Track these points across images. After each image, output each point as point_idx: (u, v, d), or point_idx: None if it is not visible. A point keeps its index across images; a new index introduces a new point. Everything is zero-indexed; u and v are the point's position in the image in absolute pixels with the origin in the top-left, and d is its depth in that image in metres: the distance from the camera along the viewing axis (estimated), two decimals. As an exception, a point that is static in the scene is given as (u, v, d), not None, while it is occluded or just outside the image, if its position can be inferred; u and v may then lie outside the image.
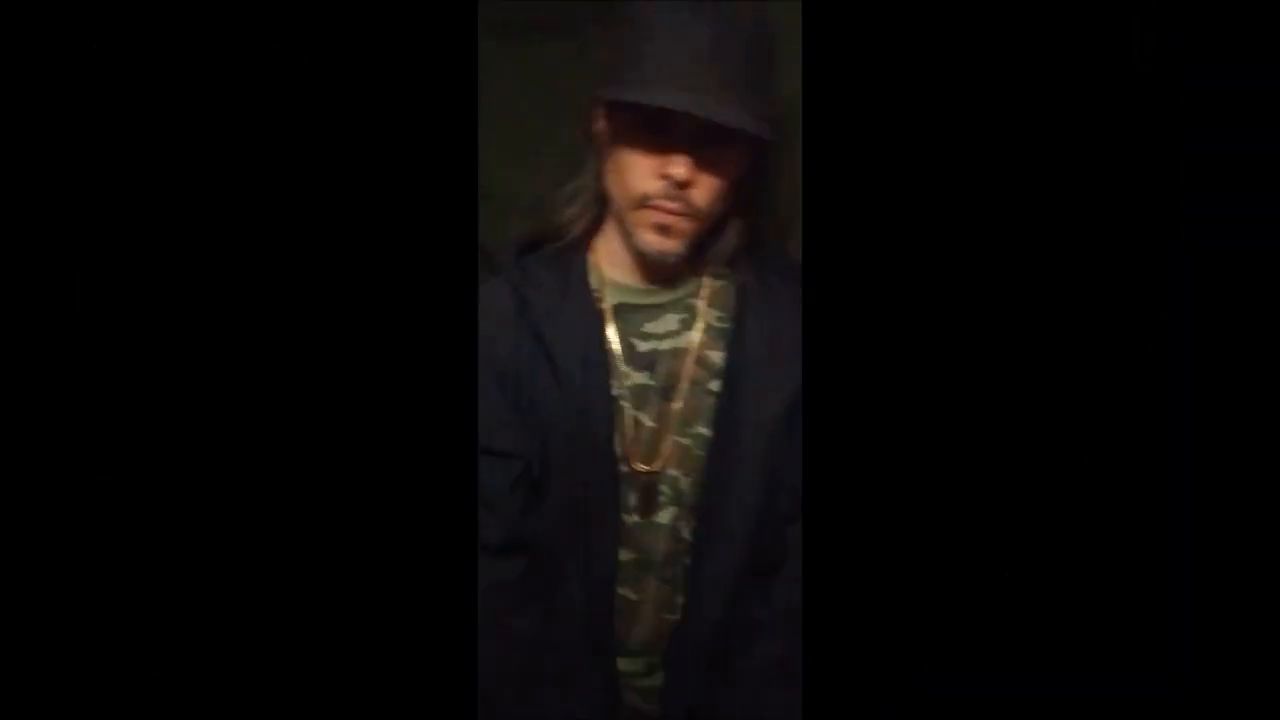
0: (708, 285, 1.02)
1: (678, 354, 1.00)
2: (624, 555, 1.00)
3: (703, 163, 0.93)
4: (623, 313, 1.01)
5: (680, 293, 1.02)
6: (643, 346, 1.00)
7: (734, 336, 1.00)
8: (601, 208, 1.02)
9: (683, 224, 0.95)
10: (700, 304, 1.02)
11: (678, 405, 0.99)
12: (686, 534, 0.99)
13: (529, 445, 0.99)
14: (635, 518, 0.99)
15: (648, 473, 0.99)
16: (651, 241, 0.96)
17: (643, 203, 0.95)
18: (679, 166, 0.92)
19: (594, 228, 1.03)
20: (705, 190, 0.94)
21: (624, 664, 1.02)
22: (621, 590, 1.00)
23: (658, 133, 0.92)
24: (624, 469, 0.99)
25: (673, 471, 0.99)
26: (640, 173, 0.94)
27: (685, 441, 0.99)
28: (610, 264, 1.03)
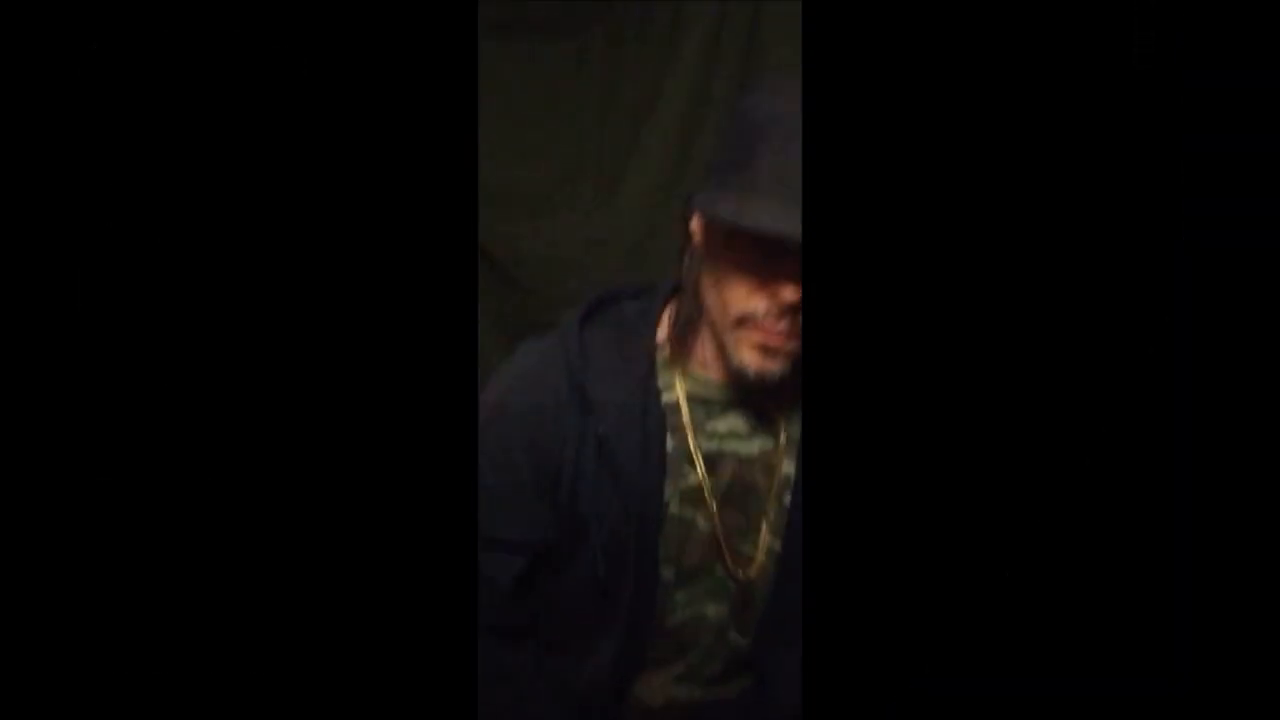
0: (789, 405, 0.95)
1: (752, 461, 0.94)
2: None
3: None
4: (694, 405, 0.94)
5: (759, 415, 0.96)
6: (710, 446, 0.94)
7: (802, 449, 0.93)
8: (696, 315, 0.92)
9: (789, 345, 0.87)
10: (784, 424, 0.95)
11: (765, 515, 0.94)
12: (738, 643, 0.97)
13: (544, 536, 0.94)
14: (732, 631, 0.96)
15: (747, 580, 0.94)
16: (751, 361, 0.88)
17: (744, 322, 0.87)
18: (789, 290, 0.83)
19: (682, 329, 0.94)
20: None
21: None
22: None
23: (769, 251, 0.83)
24: (721, 572, 0.94)
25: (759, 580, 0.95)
26: (744, 290, 0.86)
27: (761, 555, 0.95)
28: (699, 366, 0.95)
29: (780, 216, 0.80)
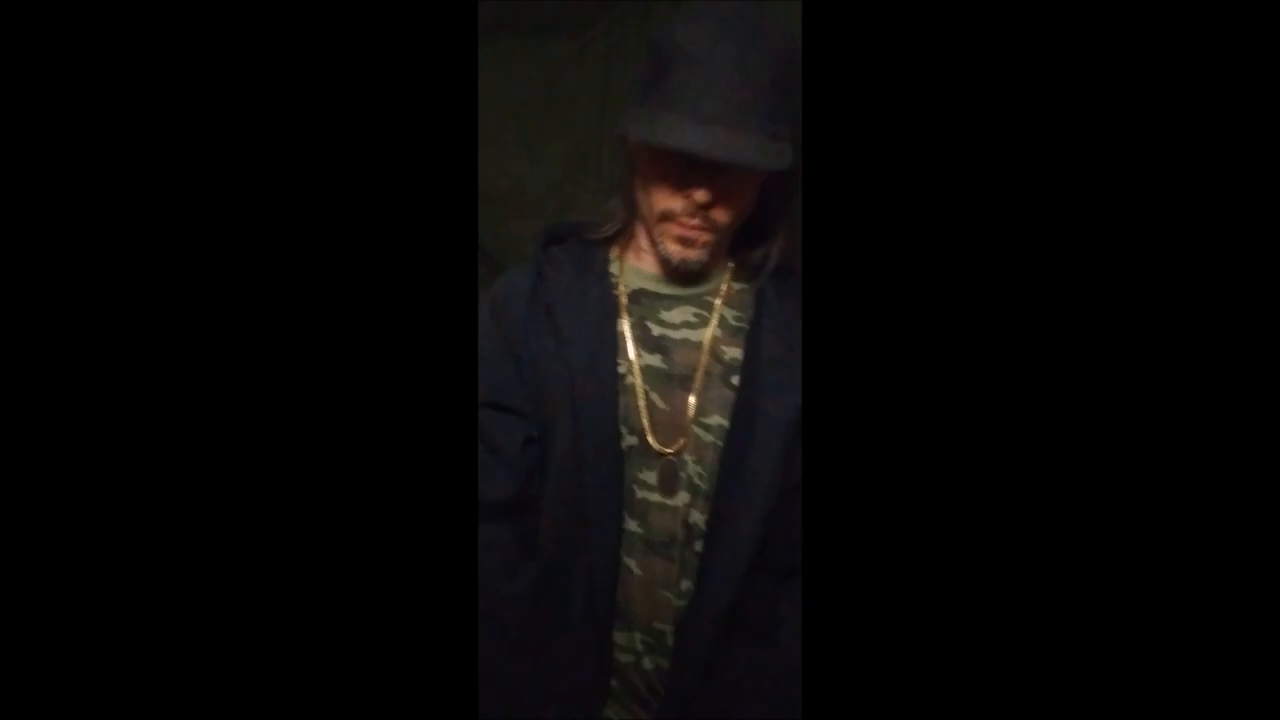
0: (726, 286, 1.08)
1: (691, 345, 1.05)
2: (633, 527, 1.02)
3: (723, 185, 0.98)
4: (639, 298, 1.07)
5: (699, 290, 1.07)
6: (656, 331, 1.05)
7: (751, 335, 1.05)
8: (631, 214, 1.08)
9: (704, 236, 1.01)
10: (718, 302, 1.07)
11: (694, 395, 1.03)
12: (699, 521, 1.01)
13: (536, 410, 1.04)
14: (655, 496, 1.02)
15: (667, 454, 1.02)
16: (674, 251, 1.03)
17: (666, 217, 1.01)
18: (699, 192, 0.98)
19: (624, 230, 1.10)
20: (726, 209, 1.00)
21: (621, 637, 1.03)
22: (626, 560, 1.02)
23: (679, 157, 0.96)
24: (636, 443, 1.02)
25: (689, 458, 1.02)
26: (663, 192, 1.00)
27: (701, 431, 1.02)
28: (635, 258, 1.09)
29: (684, 132, 0.93)
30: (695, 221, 1.00)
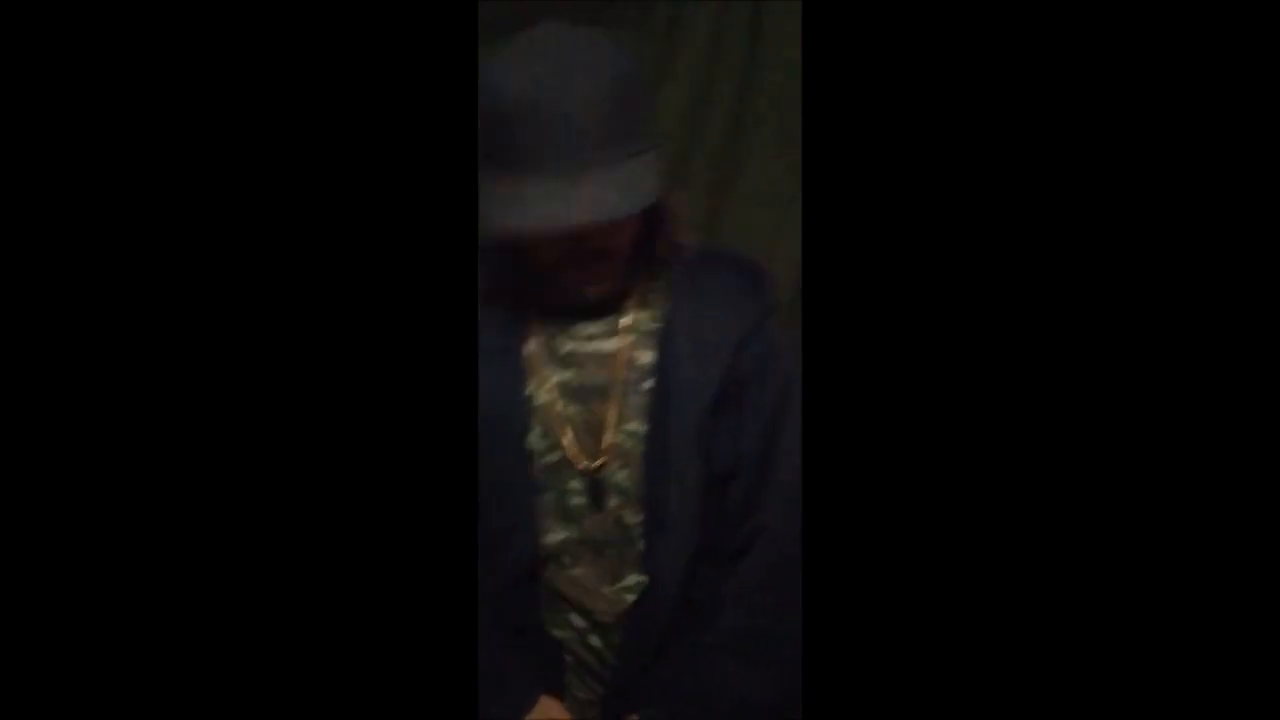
0: (636, 295, 1.05)
1: (604, 357, 1.04)
2: (569, 535, 1.04)
3: (601, 233, 0.93)
4: (546, 316, 1.04)
5: (608, 310, 1.05)
6: (566, 347, 1.04)
7: (662, 336, 1.03)
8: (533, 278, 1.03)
9: (606, 269, 0.98)
10: (629, 316, 1.04)
11: (612, 407, 1.02)
12: (633, 521, 1.03)
13: None
14: (587, 511, 1.03)
15: (592, 469, 1.02)
16: (592, 292, 1.00)
17: (560, 267, 0.97)
18: (596, 241, 0.93)
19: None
20: (617, 246, 0.96)
21: (559, 621, 1.06)
22: (573, 571, 1.04)
23: (557, 237, 0.92)
24: (558, 459, 1.03)
25: (614, 466, 1.03)
26: (550, 251, 0.95)
27: (622, 439, 1.03)
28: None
29: (540, 204, 0.88)
30: (599, 267, 0.96)
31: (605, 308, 1.04)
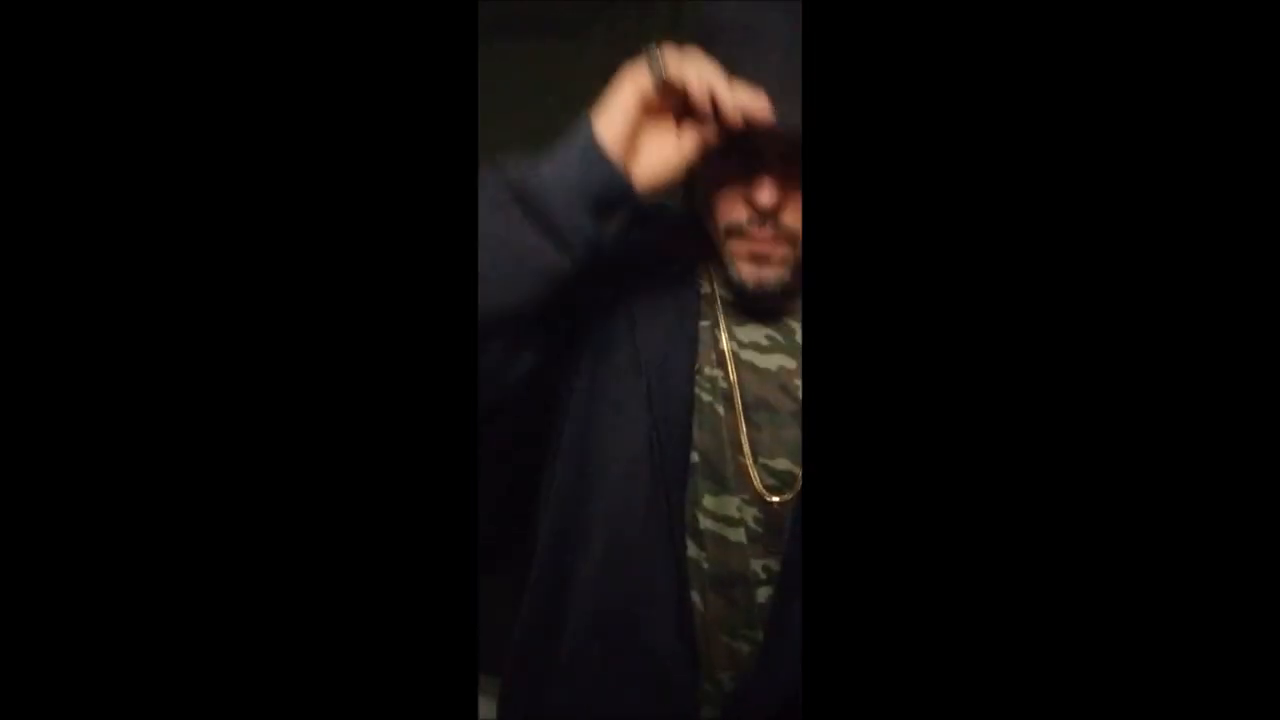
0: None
1: (765, 374, 0.92)
2: (692, 553, 0.92)
3: (794, 183, 0.84)
4: (724, 305, 0.94)
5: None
6: (732, 348, 0.93)
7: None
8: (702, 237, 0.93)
9: (780, 251, 0.87)
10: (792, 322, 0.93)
11: (782, 433, 0.91)
12: (767, 571, 0.92)
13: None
14: (759, 545, 0.92)
15: (778, 504, 0.91)
16: (748, 275, 0.88)
17: (732, 234, 0.87)
18: (766, 194, 0.84)
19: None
20: (795, 212, 0.85)
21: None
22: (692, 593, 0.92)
23: (740, 154, 0.84)
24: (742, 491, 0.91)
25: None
26: (726, 202, 0.87)
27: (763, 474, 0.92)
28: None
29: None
30: (766, 233, 0.86)
31: (774, 322, 0.93)
